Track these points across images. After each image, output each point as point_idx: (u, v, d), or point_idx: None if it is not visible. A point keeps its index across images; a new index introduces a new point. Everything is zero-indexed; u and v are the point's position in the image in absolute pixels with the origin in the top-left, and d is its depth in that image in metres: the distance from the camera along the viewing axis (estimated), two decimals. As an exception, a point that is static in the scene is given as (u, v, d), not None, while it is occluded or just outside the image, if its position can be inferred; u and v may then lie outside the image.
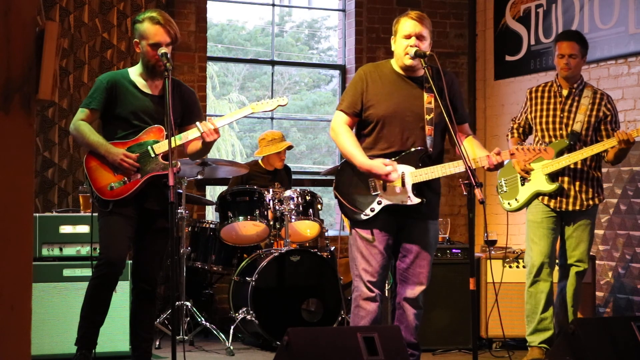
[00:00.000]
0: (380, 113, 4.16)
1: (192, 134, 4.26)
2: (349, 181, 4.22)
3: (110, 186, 4.22)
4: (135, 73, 4.34)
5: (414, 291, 4.22)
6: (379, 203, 4.14)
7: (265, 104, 4.38)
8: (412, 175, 4.13)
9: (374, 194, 4.15)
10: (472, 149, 4.18)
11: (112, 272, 4.23)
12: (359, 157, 4.12)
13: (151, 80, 4.30)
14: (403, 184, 4.13)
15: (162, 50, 4.15)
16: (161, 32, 4.20)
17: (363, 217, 4.15)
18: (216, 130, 4.18)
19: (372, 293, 4.15)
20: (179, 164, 4.27)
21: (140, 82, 4.31)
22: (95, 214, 4.32)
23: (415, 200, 4.13)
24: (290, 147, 6.55)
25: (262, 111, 4.39)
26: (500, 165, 4.13)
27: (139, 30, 4.24)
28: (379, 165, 4.08)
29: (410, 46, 4.12)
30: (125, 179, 4.23)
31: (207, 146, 4.31)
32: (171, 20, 4.28)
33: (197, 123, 4.22)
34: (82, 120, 4.28)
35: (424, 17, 4.20)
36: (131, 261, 4.53)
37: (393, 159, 4.13)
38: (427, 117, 4.15)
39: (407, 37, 4.14)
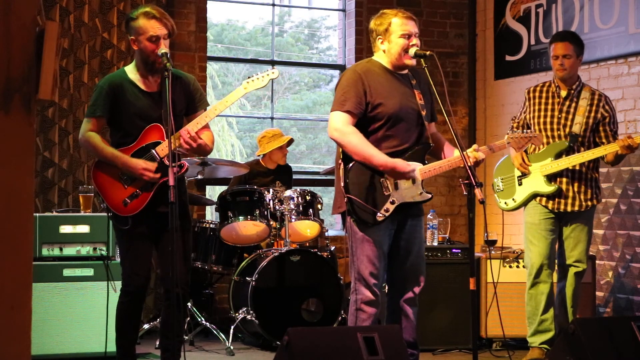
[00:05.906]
0: (389, 111, 4.11)
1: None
2: (360, 182, 4.12)
3: (125, 202, 4.15)
4: (132, 71, 4.24)
5: (414, 290, 4.22)
6: (392, 202, 4.11)
7: (257, 80, 4.24)
8: (422, 171, 4.13)
9: (386, 193, 4.11)
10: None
11: (138, 298, 4.25)
12: (380, 157, 4.06)
13: (151, 75, 4.20)
14: (414, 181, 4.14)
15: (162, 50, 4.08)
16: (158, 25, 4.11)
17: (379, 217, 4.09)
18: (192, 138, 4.08)
19: (375, 297, 4.12)
20: (187, 164, 4.22)
21: (139, 81, 4.22)
22: (96, 214, 4.28)
23: (427, 196, 4.18)
24: (291, 141, 6.56)
25: (255, 89, 4.25)
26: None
27: (134, 28, 4.14)
28: (403, 163, 4.07)
29: (411, 46, 4.13)
30: (138, 190, 4.15)
31: (195, 151, 4.24)
32: (165, 13, 4.21)
33: (179, 132, 4.11)
34: (90, 131, 4.18)
35: (413, 15, 4.23)
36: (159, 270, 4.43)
37: (403, 156, 4.12)
38: (423, 113, 4.17)
39: (406, 36, 4.14)
